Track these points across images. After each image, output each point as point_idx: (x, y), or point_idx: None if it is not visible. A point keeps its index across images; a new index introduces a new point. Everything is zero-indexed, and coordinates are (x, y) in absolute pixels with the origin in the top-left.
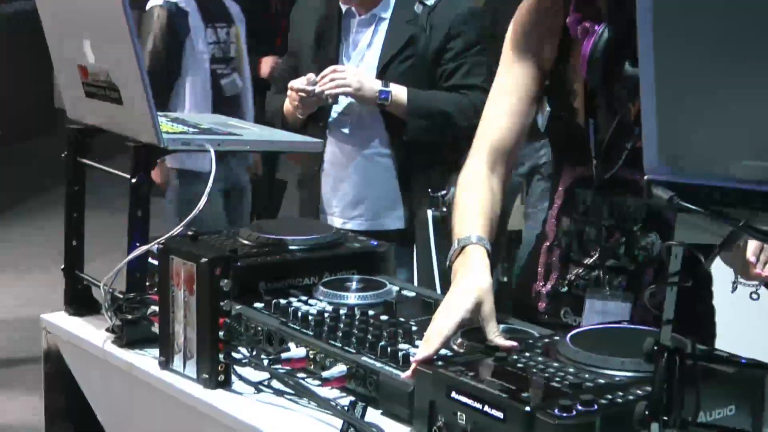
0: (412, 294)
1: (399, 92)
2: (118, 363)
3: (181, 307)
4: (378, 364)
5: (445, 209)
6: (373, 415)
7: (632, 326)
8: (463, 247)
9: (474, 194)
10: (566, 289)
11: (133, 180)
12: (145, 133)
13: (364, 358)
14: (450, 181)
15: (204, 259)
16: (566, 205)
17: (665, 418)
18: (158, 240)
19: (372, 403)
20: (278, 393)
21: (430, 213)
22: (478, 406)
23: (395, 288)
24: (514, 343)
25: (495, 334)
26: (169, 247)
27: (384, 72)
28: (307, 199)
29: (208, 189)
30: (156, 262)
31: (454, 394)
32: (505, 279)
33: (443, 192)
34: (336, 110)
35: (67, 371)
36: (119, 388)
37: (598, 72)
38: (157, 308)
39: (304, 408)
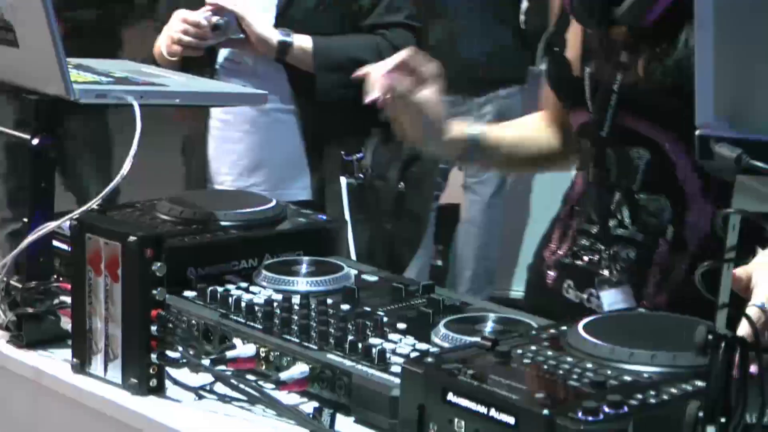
0: (374, 278)
1: (303, 42)
2: (17, 368)
3: (101, 297)
4: (348, 363)
5: (361, 176)
6: (344, 424)
7: (651, 312)
8: None
9: (514, 122)
10: (569, 260)
11: (35, 141)
12: (50, 83)
13: (329, 356)
14: (368, 143)
15: (132, 238)
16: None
17: (723, 420)
18: (70, 215)
19: (341, 410)
20: (224, 399)
21: (344, 180)
22: (482, 410)
23: (353, 272)
24: None
25: None
26: (86, 223)
27: (284, 14)
28: (192, 166)
29: (132, 151)
30: (61, 245)
31: (451, 397)
32: (440, 263)
33: (359, 155)
34: (224, 55)
35: None
36: (20, 399)
37: (582, 9)
38: (65, 299)
39: (258, 417)
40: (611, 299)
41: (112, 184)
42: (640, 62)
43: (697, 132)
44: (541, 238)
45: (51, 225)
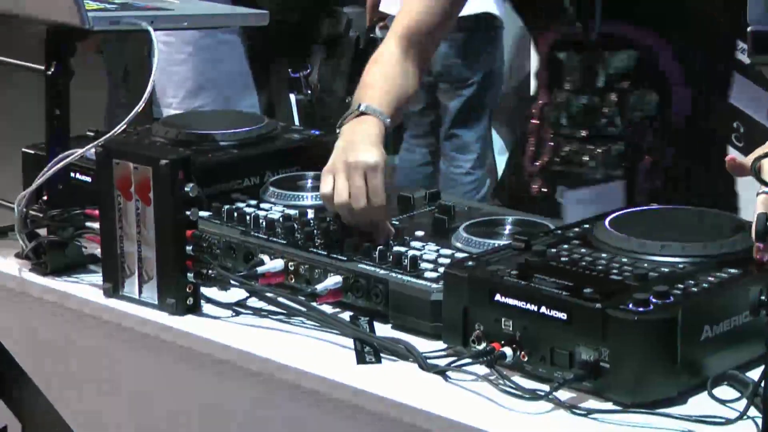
0: None
1: None
2: (43, 294)
3: (133, 221)
4: (381, 271)
5: (309, 91)
6: (381, 330)
7: (667, 207)
8: (361, 113)
9: (384, 69)
10: (560, 167)
11: (49, 72)
12: (62, 11)
13: (361, 266)
14: (314, 59)
15: (163, 161)
16: (550, 73)
17: None
18: (96, 142)
19: (377, 317)
20: (260, 314)
21: (293, 97)
22: (532, 308)
23: None
24: (391, 230)
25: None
26: (112, 149)
27: None
28: (133, 90)
29: (153, 73)
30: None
31: (498, 297)
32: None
33: (306, 71)
34: None
35: None
36: (47, 324)
37: None
38: (90, 225)
39: (296, 328)
40: (574, 198)
41: (136, 109)
42: None
43: (750, 28)
44: (510, 153)
45: (77, 152)
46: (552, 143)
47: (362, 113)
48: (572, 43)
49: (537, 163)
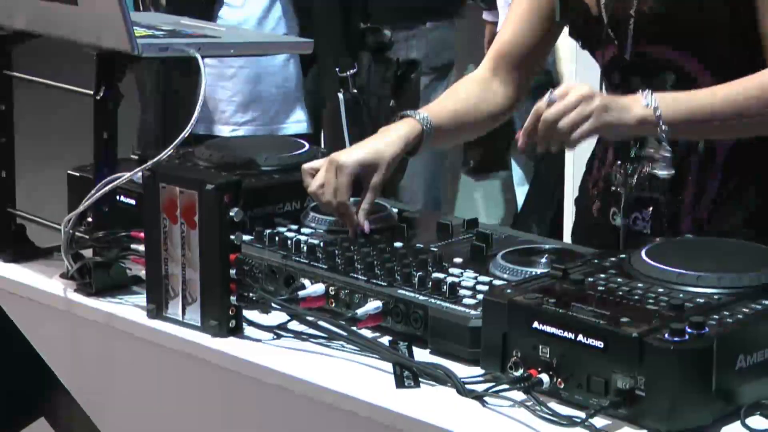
0: (416, 215)
1: None
2: (88, 314)
3: (177, 244)
4: (421, 297)
5: (355, 90)
6: (420, 355)
7: (700, 238)
8: (401, 117)
9: (457, 89)
10: (612, 188)
11: (98, 96)
12: (112, 37)
13: (401, 291)
14: (361, 57)
15: (210, 186)
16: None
17: None
18: (143, 166)
19: (415, 342)
20: (301, 337)
21: (341, 96)
22: (569, 335)
23: (394, 210)
24: (365, 225)
25: (363, 209)
26: (159, 172)
27: None
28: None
29: (201, 99)
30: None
31: (536, 324)
32: None
33: (353, 70)
34: None
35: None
36: (91, 344)
37: None
38: (135, 247)
39: (337, 352)
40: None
41: (183, 134)
42: None
43: None
44: (584, 173)
45: (125, 175)
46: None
47: (403, 116)
48: (616, 66)
49: (593, 185)
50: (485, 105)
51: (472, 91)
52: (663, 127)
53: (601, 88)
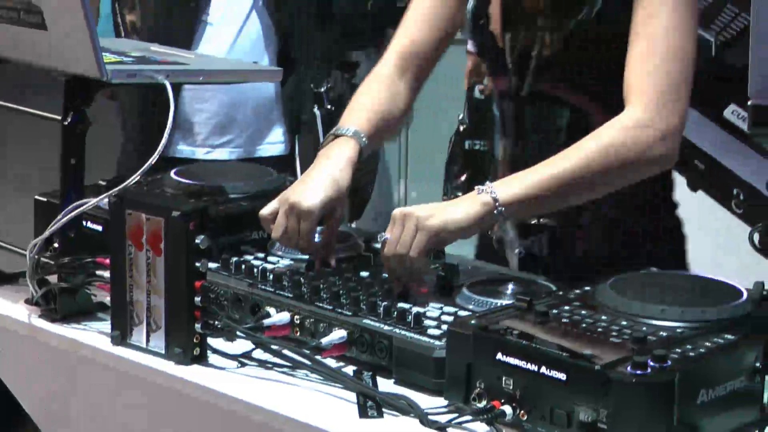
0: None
1: None
2: (52, 340)
3: (143, 270)
4: (385, 327)
5: (331, 106)
6: (385, 385)
7: (663, 272)
8: (336, 136)
9: (369, 91)
10: None
11: (66, 122)
12: (81, 63)
13: (366, 321)
14: (333, 73)
15: (176, 213)
16: (502, 120)
17: None
18: (109, 192)
19: (380, 372)
20: (265, 366)
21: (317, 112)
22: (533, 367)
23: (360, 240)
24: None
25: (330, 248)
26: (126, 199)
27: None
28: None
29: (169, 126)
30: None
31: (500, 356)
32: None
33: (328, 86)
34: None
35: None
36: (56, 371)
37: None
38: (100, 274)
39: (301, 381)
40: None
41: (150, 161)
42: (554, 29)
43: (750, 102)
44: None
45: (91, 201)
46: None
47: (337, 136)
48: (508, 97)
49: None
50: (395, 107)
51: (383, 94)
52: (500, 209)
53: (492, 110)
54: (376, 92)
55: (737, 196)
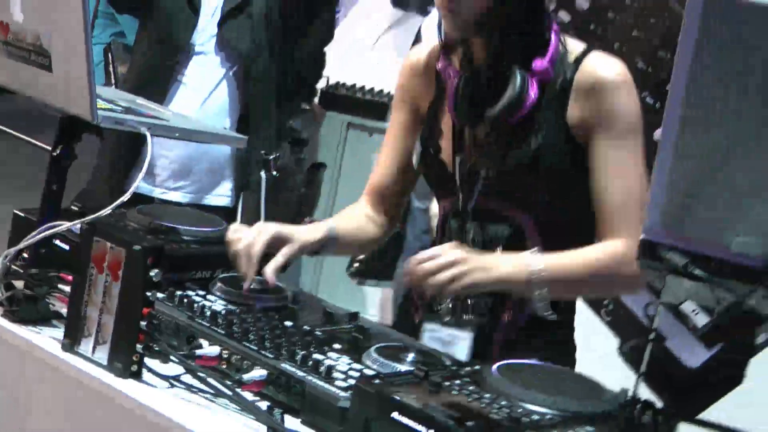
0: (309, 301)
1: None
2: (10, 339)
3: (100, 291)
4: (300, 373)
5: (276, 173)
6: (291, 423)
7: (549, 365)
8: (310, 222)
9: (352, 210)
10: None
11: (55, 153)
12: (78, 105)
13: (284, 365)
14: (283, 146)
15: (137, 247)
16: (442, 237)
17: None
18: (83, 219)
19: (290, 412)
20: (191, 390)
21: (263, 175)
22: (422, 429)
23: (289, 292)
24: (272, 280)
25: (270, 268)
26: (97, 227)
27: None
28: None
29: (143, 171)
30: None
31: (396, 415)
32: None
33: (276, 155)
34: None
35: None
36: (11, 367)
37: (463, 110)
38: (62, 287)
39: (219, 408)
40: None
41: (123, 198)
42: (502, 153)
43: (642, 236)
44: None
45: (66, 224)
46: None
47: (312, 221)
48: (455, 213)
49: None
50: (369, 230)
51: (360, 217)
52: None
53: (437, 232)
54: (354, 214)
55: (606, 306)
